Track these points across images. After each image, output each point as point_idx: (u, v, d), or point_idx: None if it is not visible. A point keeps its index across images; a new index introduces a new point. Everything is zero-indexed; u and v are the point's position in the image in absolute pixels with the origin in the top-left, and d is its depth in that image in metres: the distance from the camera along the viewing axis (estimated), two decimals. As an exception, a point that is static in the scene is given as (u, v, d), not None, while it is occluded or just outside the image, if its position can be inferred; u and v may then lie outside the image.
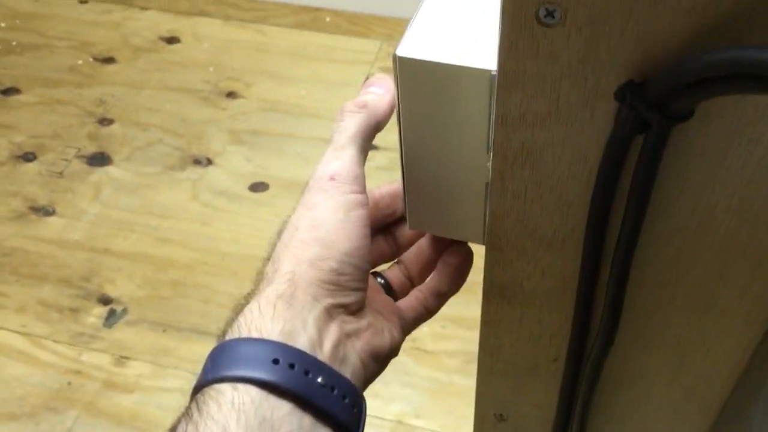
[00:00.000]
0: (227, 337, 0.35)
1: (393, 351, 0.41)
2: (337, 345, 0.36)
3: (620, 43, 0.26)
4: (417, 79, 0.34)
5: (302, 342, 0.34)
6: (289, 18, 1.83)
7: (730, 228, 0.32)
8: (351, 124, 0.39)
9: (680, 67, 0.24)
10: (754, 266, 0.33)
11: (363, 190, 0.38)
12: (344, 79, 1.64)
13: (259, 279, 0.38)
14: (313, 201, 0.37)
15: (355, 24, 1.79)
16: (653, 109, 0.26)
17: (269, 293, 0.35)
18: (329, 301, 0.36)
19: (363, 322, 0.38)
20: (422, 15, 0.35)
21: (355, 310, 0.38)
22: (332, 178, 0.37)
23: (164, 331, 1.33)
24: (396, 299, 0.46)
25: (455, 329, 1.26)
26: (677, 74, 0.25)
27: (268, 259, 0.38)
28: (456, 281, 0.46)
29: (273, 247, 0.39)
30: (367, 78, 0.41)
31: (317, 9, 1.81)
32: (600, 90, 0.28)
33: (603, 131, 0.30)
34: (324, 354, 0.35)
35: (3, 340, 1.31)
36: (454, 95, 0.33)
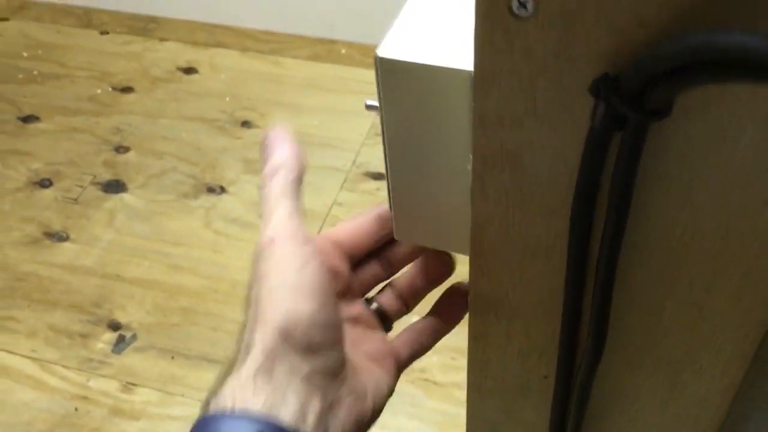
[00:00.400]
0: (211, 408, 0.34)
1: (375, 415, 0.40)
2: (320, 417, 0.35)
3: (595, 35, 0.26)
4: (398, 81, 0.33)
5: (286, 417, 0.34)
6: (304, 50, 1.85)
7: (717, 234, 0.30)
8: (274, 186, 0.38)
9: (655, 54, 0.24)
10: (744, 276, 0.31)
11: (306, 241, 0.37)
12: (357, 110, 1.64)
13: (240, 341, 0.37)
14: (264, 270, 0.36)
15: (369, 56, 1.79)
16: (628, 103, 0.25)
17: (249, 366, 0.35)
18: (307, 369, 0.35)
19: (344, 389, 0.37)
20: (404, 16, 0.35)
21: (335, 369, 0.37)
22: (272, 241, 0.36)
23: (173, 358, 1.32)
24: (392, 323, 0.46)
25: (465, 361, 1.24)
26: (652, 62, 0.24)
27: (244, 324, 0.37)
28: (456, 320, 0.46)
29: (245, 309, 0.38)
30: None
31: (332, 41, 1.83)
32: (577, 87, 0.28)
33: (582, 132, 0.29)
34: (308, 427, 0.34)
35: (13, 365, 1.31)
36: (436, 97, 0.33)
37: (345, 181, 1.55)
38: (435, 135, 0.35)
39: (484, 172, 0.32)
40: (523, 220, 0.33)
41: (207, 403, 0.35)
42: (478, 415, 0.45)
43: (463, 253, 0.40)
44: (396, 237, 0.42)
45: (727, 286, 0.32)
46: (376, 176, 1.56)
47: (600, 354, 0.35)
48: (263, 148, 0.40)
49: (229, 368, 0.36)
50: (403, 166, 0.37)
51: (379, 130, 0.37)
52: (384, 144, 0.37)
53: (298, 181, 0.39)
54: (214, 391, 0.35)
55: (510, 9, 0.26)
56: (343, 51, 1.82)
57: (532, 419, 0.43)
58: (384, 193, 1.59)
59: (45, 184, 1.59)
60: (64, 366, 1.31)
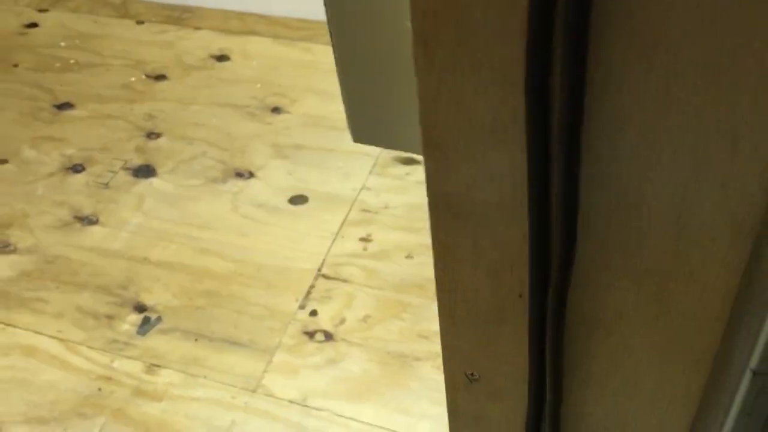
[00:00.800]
0: None
1: None
2: None
3: None
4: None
5: None
6: (337, 36, 1.83)
7: (701, 84, 0.26)
8: None
9: None
10: (732, 143, 0.26)
11: None
12: (390, 94, 1.62)
13: None
14: None
15: (403, 41, 1.77)
16: None
17: None
18: None
19: None
20: None
21: None
22: None
23: (196, 340, 1.31)
24: None
25: (492, 344, 1.19)
26: None
27: None
28: None
29: None
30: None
31: (366, 27, 1.81)
32: None
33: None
34: None
35: (39, 345, 1.32)
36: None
37: (374, 165, 1.52)
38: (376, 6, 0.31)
39: (425, 30, 0.28)
40: (476, 91, 0.29)
41: None
42: (454, 348, 0.40)
43: (420, 152, 0.36)
44: (354, 140, 0.38)
45: (714, 158, 0.27)
46: (406, 161, 1.53)
47: (573, 251, 0.30)
48: None
49: None
50: (351, 51, 0.33)
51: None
52: (330, 34, 0.33)
53: None
54: None
55: None
56: (376, 36, 1.80)
57: (511, 351, 0.39)
58: (414, 178, 1.56)
59: (78, 169, 1.60)
60: (89, 347, 1.31)
